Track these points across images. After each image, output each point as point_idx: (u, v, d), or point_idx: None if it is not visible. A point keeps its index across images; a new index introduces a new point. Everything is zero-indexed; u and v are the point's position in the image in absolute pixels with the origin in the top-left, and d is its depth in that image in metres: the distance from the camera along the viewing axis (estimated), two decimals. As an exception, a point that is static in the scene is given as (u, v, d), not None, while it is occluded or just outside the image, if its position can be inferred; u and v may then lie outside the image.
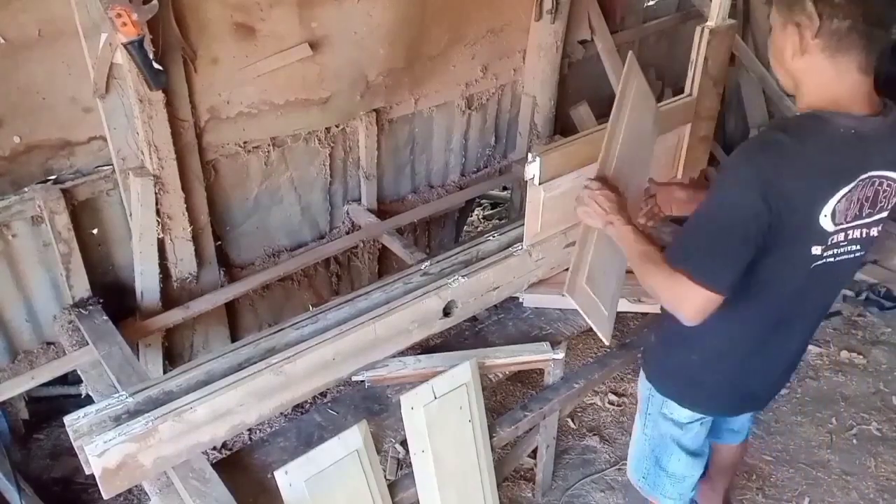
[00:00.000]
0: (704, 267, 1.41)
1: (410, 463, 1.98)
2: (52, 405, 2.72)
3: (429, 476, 1.97)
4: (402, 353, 2.14)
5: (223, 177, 2.49)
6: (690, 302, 1.42)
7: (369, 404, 2.09)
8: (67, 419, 1.72)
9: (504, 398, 2.98)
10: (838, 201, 1.37)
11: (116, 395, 1.79)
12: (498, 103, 3.21)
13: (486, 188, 3.38)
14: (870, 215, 1.45)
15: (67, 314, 2.29)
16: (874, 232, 1.48)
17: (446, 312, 2.15)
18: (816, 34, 1.33)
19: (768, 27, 1.46)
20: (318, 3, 2.36)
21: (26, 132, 2.14)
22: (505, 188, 4.10)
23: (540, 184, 2.09)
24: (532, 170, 2.05)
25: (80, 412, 1.73)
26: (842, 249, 1.46)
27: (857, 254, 1.50)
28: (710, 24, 2.27)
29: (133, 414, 1.72)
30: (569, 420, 2.88)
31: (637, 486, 2.04)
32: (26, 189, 2.16)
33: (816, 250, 1.43)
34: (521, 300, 2.40)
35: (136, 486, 1.83)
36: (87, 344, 2.19)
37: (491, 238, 2.36)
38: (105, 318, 2.26)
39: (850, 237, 1.45)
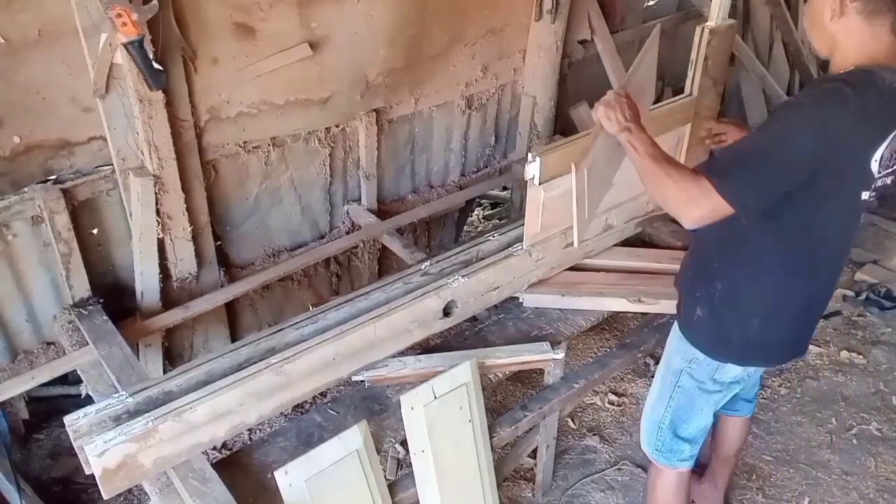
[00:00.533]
0: (734, 181, 1.48)
1: (410, 463, 1.98)
2: (52, 405, 2.72)
3: (429, 476, 1.97)
4: (402, 353, 2.14)
5: (223, 177, 2.49)
6: (701, 206, 1.49)
7: (369, 404, 2.09)
8: (67, 419, 1.72)
9: (504, 398, 2.98)
10: (886, 147, 1.50)
11: (116, 395, 1.79)
12: (498, 103, 3.21)
13: (486, 188, 3.39)
14: (893, 164, 1.57)
15: (67, 314, 2.29)
16: (889, 180, 1.60)
17: (446, 312, 2.15)
18: None
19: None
20: (318, 3, 2.36)
21: (26, 132, 2.14)
22: (505, 188, 4.10)
23: (540, 184, 2.09)
24: (532, 170, 2.05)
25: (80, 412, 1.73)
26: (871, 194, 1.59)
27: (872, 198, 1.61)
28: (710, 24, 2.27)
29: (133, 414, 1.72)
30: (569, 420, 2.88)
31: (651, 458, 2.10)
32: (26, 189, 2.16)
33: (865, 195, 1.56)
34: (520, 300, 2.40)
35: (136, 486, 1.83)
36: (87, 344, 2.19)
37: (491, 238, 2.36)
38: (105, 318, 2.26)
39: (877, 186, 1.57)
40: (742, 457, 2.72)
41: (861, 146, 1.48)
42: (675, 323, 1.97)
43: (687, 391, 1.94)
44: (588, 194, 1.85)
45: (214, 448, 2.46)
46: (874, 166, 1.50)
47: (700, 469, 2.51)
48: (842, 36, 1.51)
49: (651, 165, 1.60)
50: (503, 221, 4.10)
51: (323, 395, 2.42)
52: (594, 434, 2.84)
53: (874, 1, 1.45)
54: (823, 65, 4.86)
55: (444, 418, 1.96)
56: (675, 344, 1.95)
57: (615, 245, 2.58)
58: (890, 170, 1.56)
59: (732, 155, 1.59)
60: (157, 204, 2.24)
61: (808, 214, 1.56)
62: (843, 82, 1.45)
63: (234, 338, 2.74)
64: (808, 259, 1.67)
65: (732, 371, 1.88)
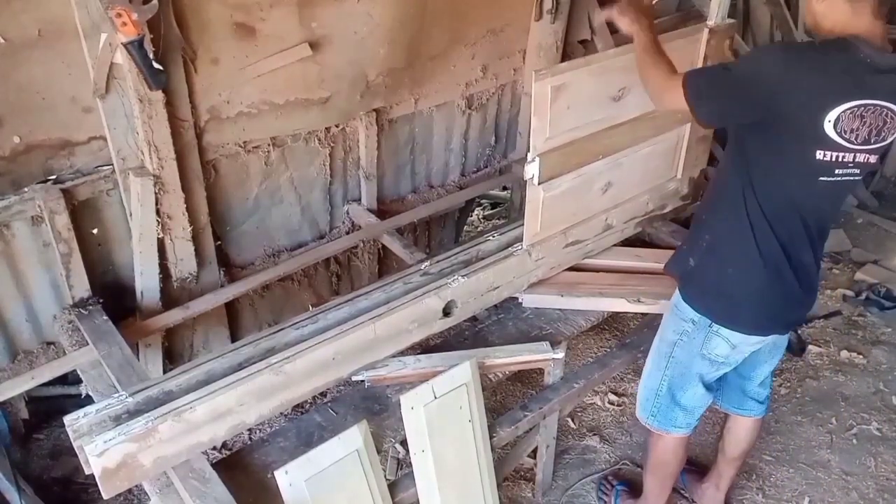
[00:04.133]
0: (696, 81, 1.70)
1: (410, 463, 1.98)
2: (52, 405, 2.72)
3: (429, 476, 1.97)
4: (402, 353, 2.14)
5: (223, 177, 2.49)
6: (669, 94, 1.74)
7: (369, 404, 2.09)
8: (67, 419, 1.72)
9: (504, 398, 2.98)
10: (843, 111, 1.57)
11: (116, 394, 1.79)
12: (498, 103, 3.21)
13: (486, 188, 3.39)
14: (875, 142, 1.64)
15: (67, 314, 2.29)
16: (872, 159, 1.67)
17: (446, 312, 2.15)
18: None
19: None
20: (318, 3, 2.36)
21: (26, 132, 2.14)
22: (505, 188, 4.10)
23: (540, 184, 2.09)
24: (532, 170, 2.06)
25: (80, 412, 1.73)
26: (849, 170, 1.67)
27: (857, 177, 1.70)
28: (710, 23, 2.27)
29: (133, 414, 1.72)
30: (569, 420, 2.88)
31: (645, 423, 2.17)
32: (26, 189, 2.16)
33: (820, 155, 1.62)
34: (520, 300, 2.40)
35: (135, 486, 1.83)
36: (87, 344, 2.18)
37: (491, 238, 2.36)
38: (105, 318, 2.26)
39: (856, 161, 1.65)
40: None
41: (813, 100, 1.57)
42: (672, 297, 2.04)
43: (680, 362, 2.01)
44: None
45: (214, 448, 2.46)
46: (828, 127, 1.57)
47: (702, 469, 2.51)
48: (825, 17, 1.64)
49: (645, 54, 1.86)
50: (503, 221, 4.09)
51: (323, 395, 2.42)
52: (594, 434, 2.84)
53: None
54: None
55: (444, 418, 1.96)
56: (669, 315, 2.04)
57: (615, 245, 2.58)
58: (866, 147, 1.63)
59: (708, 68, 1.84)
60: (157, 204, 2.24)
61: (767, 164, 1.70)
62: (816, 41, 1.64)
63: (234, 338, 2.74)
64: (773, 219, 1.76)
65: (719, 347, 1.93)
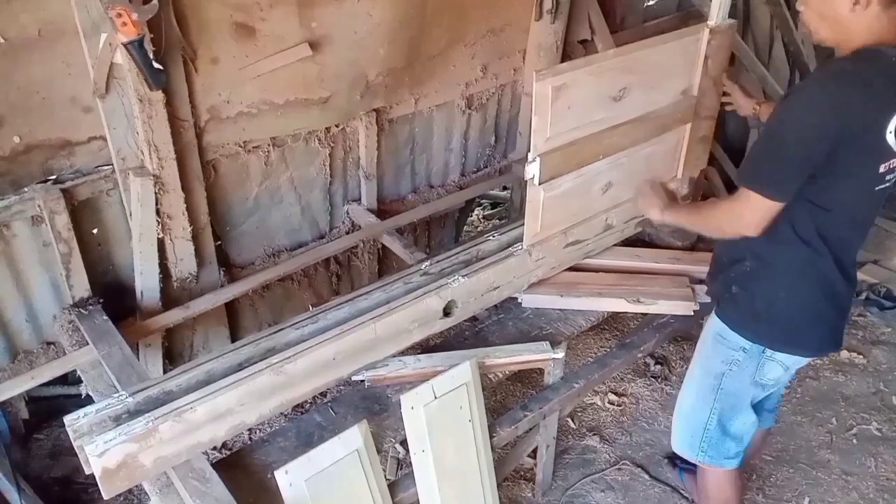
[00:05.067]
0: (767, 179, 1.64)
1: (410, 463, 1.98)
2: (52, 405, 2.72)
3: (429, 476, 1.97)
4: (402, 353, 2.13)
5: (223, 177, 2.49)
6: (750, 214, 1.67)
7: (369, 404, 2.09)
8: (67, 419, 1.72)
9: (504, 398, 2.98)
10: None
11: (116, 394, 1.79)
12: (498, 103, 3.21)
13: (486, 188, 3.38)
14: None
15: (67, 314, 2.29)
16: None
17: (446, 312, 2.15)
18: None
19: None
20: (318, 2, 2.36)
21: (26, 132, 2.13)
22: (505, 188, 4.09)
23: (540, 184, 2.09)
24: (532, 170, 2.05)
25: (80, 412, 1.73)
26: (893, 176, 1.66)
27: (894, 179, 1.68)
28: (711, 23, 2.27)
29: (133, 414, 1.72)
30: (569, 420, 2.88)
31: (696, 461, 2.11)
32: (26, 189, 2.15)
33: (883, 168, 1.61)
34: (520, 300, 2.40)
35: (136, 486, 1.83)
36: (87, 344, 2.18)
37: (491, 238, 2.36)
38: (105, 317, 2.26)
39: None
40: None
41: (872, 117, 1.55)
42: (709, 325, 2.00)
43: (731, 392, 1.96)
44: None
45: (214, 448, 2.46)
46: (890, 138, 1.56)
47: None
48: (856, 24, 1.57)
49: (698, 220, 1.89)
50: (503, 221, 4.09)
51: (323, 395, 2.42)
52: (594, 434, 2.84)
53: None
54: (822, 63, 4.86)
55: (444, 418, 1.96)
56: (711, 346, 1.97)
57: (615, 245, 2.58)
58: None
59: (756, 155, 1.69)
60: (156, 204, 2.24)
61: (826, 188, 1.64)
62: (846, 60, 1.59)
63: (234, 338, 2.74)
64: (828, 233, 1.71)
65: (773, 371, 1.89)
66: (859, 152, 1.59)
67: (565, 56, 3.21)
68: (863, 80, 1.55)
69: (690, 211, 1.94)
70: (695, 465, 2.55)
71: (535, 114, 1.98)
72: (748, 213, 1.67)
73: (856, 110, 1.54)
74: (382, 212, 2.98)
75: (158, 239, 2.31)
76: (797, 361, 1.91)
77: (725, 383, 1.96)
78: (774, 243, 1.76)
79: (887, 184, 1.66)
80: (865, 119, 1.56)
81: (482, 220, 4.60)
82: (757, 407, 2.11)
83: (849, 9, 1.57)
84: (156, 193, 2.22)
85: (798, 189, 1.64)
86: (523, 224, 2.23)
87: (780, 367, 1.89)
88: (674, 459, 2.67)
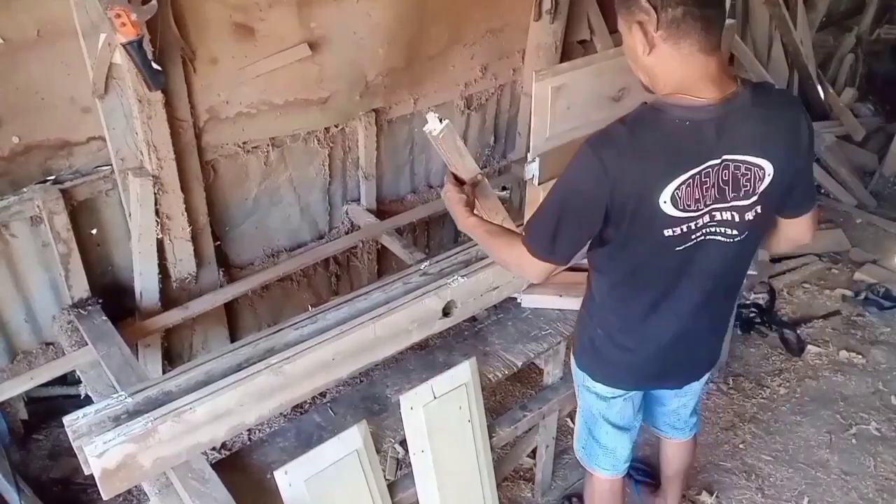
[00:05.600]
0: (543, 243, 1.57)
1: (410, 463, 1.98)
2: (51, 406, 2.72)
3: (428, 476, 1.97)
4: (402, 353, 2.13)
5: (222, 177, 2.49)
6: (529, 266, 1.63)
7: (369, 404, 2.09)
8: (67, 419, 1.72)
9: (504, 398, 2.98)
10: (677, 187, 1.43)
11: (116, 395, 1.79)
12: (497, 103, 3.21)
13: (485, 188, 3.38)
14: (735, 198, 1.50)
15: (66, 314, 2.29)
16: (750, 216, 1.52)
17: (446, 313, 2.15)
18: (658, 26, 1.40)
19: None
20: (318, 3, 2.36)
21: (25, 132, 2.13)
22: (504, 188, 4.09)
23: (540, 184, 2.09)
24: (532, 170, 2.05)
25: (80, 412, 1.73)
26: (712, 230, 1.52)
27: (737, 237, 1.54)
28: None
29: (132, 414, 1.72)
30: (569, 420, 2.88)
31: (578, 458, 2.10)
32: (25, 189, 2.16)
33: (669, 233, 1.48)
34: (519, 300, 2.40)
35: (135, 487, 1.83)
36: (87, 344, 2.18)
37: (490, 238, 2.36)
38: (104, 318, 2.26)
39: (717, 219, 1.51)
40: (742, 457, 2.73)
41: (640, 185, 1.43)
42: None
43: (583, 395, 1.95)
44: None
45: (214, 448, 2.46)
46: (665, 206, 1.44)
47: (657, 484, 2.48)
48: (655, 67, 1.46)
49: (491, 247, 1.76)
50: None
51: (322, 395, 2.42)
52: (594, 434, 2.84)
53: (677, 25, 1.38)
54: (822, 65, 4.88)
55: (443, 418, 1.96)
56: None
57: (614, 245, 2.58)
58: (722, 205, 1.49)
59: (537, 213, 1.60)
60: (156, 204, 2.24)
61: (617, 247, 1.56)
62: (621, 123, 1.45)
63: (233, 338, 2.74)
64: (640, 289, 1.65)
65: (596, 385, 1.86)
66: (635, 219, 1.47)
67: (564, 56, 3.21)
68: (631, 145, 1.42)
69: (490, 235, 1.75)
70: (652, 479, 2.54)
71: (535, 114, 1.98)
72: (528, 266, 1.63)
73: (621, 177, 1.42)
74: (382, 212, 2.98)
75: (158, 239, 2.31)
76: (613, 392, 1.87)
77: (579, 383, 1.96)
78: (595, 285, 1.75)
79: (699, 239, 1.52)
80: (634, 187, 1.43)
81: (481, 221, 4.60)
82: (651, 413, 2.09)
83: (642, 52, 1.45)
84: (155, 194, 2.22)
85: (576, 252, 1.60)
86: (523, 224, 2.23)
87: (602, 385, 1.86)
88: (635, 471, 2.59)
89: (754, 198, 1.50)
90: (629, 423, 1.96)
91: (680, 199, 1.44)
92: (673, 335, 1.71)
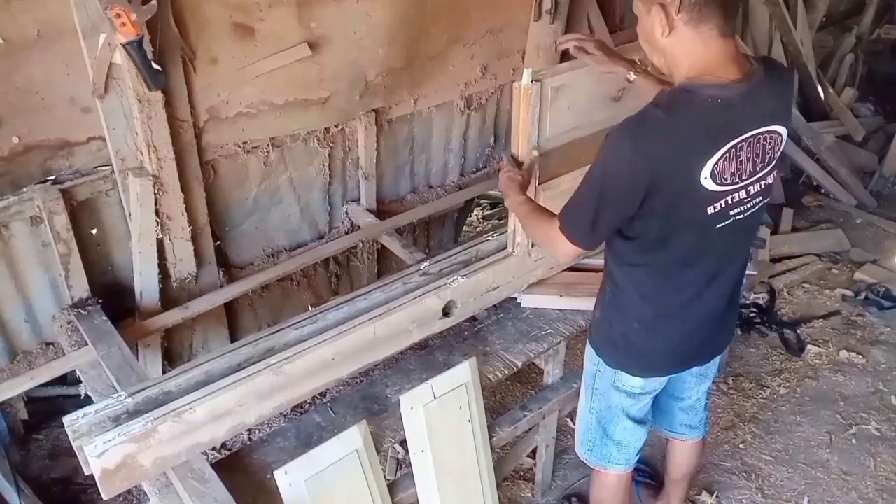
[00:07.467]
0: (582, 231, 1.61)
1: (410, 463, 1.98)
2: (51, 406, 2.72)
3: (428, 476, 1.97)
4: (402, 353, 2.13)
5: (222, 177, 2.49)
6: (561, 248, 1.67)
7: (368, 404, 2.09)
8: (67, 419, 1.72)
9: (503, 398, 2.98)
10: (716, 162, 1.48)
11: (116, 395, 1.79)
12: (497, 103, 3.21)
13: (485, 188, 3.38)
14: (762, 168, 1.57)
15: (66, 314, 2.29)
16: (770, 179, 1.61)
17: (445, 313, 2.15)
18: (679, 9, 1.44)
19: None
20: (318, 3, 2.36)
21: (25, 132, 2.13)
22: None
23: (539, 184, 2.09)
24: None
25: (80, 412, 1.73)
26: (749, 205, 1.59)
27: (762, 203, 1.63)
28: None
29: (132, 414, 1.72)
30: (569, 420, 2.88)
31: (584, 459, 2.10)
32: (25, 189, 2.16)
33: (711, 209, 1.53)
34: (519, 300, 2.40)
35: (135, 487, 1.83)
36: (87, 344, 2.18)
37: (490, 238, 2.36)
38: (104, 318, 2.26)
39: (752, 192, 1.58)
40: (742, 457, 2.73)
41: (682, 164, 1.47)
42: None
43: (603, 394, 1.95)
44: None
45: (214, 448, 2.46)
46: (706, 183, 1.48)
47: (661, 485, 2.48)
48: (674, 49, 1.50)
49: (530, 225, 1.86)
50: (503, 221, 4.09)
51: (322, 395, 2.42)
52: (593, 434, 2.84)
53: (699, 8, 1.43)
54: (822, 65, 4.88)
55: (443, 418, 1.96)
56: (587, 348, 1.97)
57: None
58: (754, 178, 1.55)
59: (573, 197, 1.64)
60: (156, 204, 2.24)
61: (657, 234, 1.58)
62: (655, 106, 1.49)
63: (233, 338, 2.74)
64: (677, 274, 1.67)
65: (631, 380, 1.87)
66: (676, 199, 1.51)
67: (564, 56, 3.21)
68: (667, 125, 1.45)
69: (531, 214, 1.83)
70: (654, 481, 2.54)
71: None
72: (560, 248, 1.67)
73: (660, 158, 1.45)
74: (382, 212, 2.98)
75: (158, 239, 2.31)
76: (644, 387, 1.88)
77: (597, 384, 1.95)
78: (629, 275, 1.74)
79: (739, 217, 1.57)
80: (674, 167, 1.47)
81: (481, 221, 4.60)
82: (667, 414, 2.11)
83: (660, 34, 1.49)
84: (155, 194, 2.22)
85: (608, 237, 1.66)
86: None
87: (639, 379, 1.87)
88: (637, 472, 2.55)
89: (772, 164, 1.59)
90: (646, 417, 2.01)
91: (718, 173, 1.49)
92: (709, 312, 1.77)
